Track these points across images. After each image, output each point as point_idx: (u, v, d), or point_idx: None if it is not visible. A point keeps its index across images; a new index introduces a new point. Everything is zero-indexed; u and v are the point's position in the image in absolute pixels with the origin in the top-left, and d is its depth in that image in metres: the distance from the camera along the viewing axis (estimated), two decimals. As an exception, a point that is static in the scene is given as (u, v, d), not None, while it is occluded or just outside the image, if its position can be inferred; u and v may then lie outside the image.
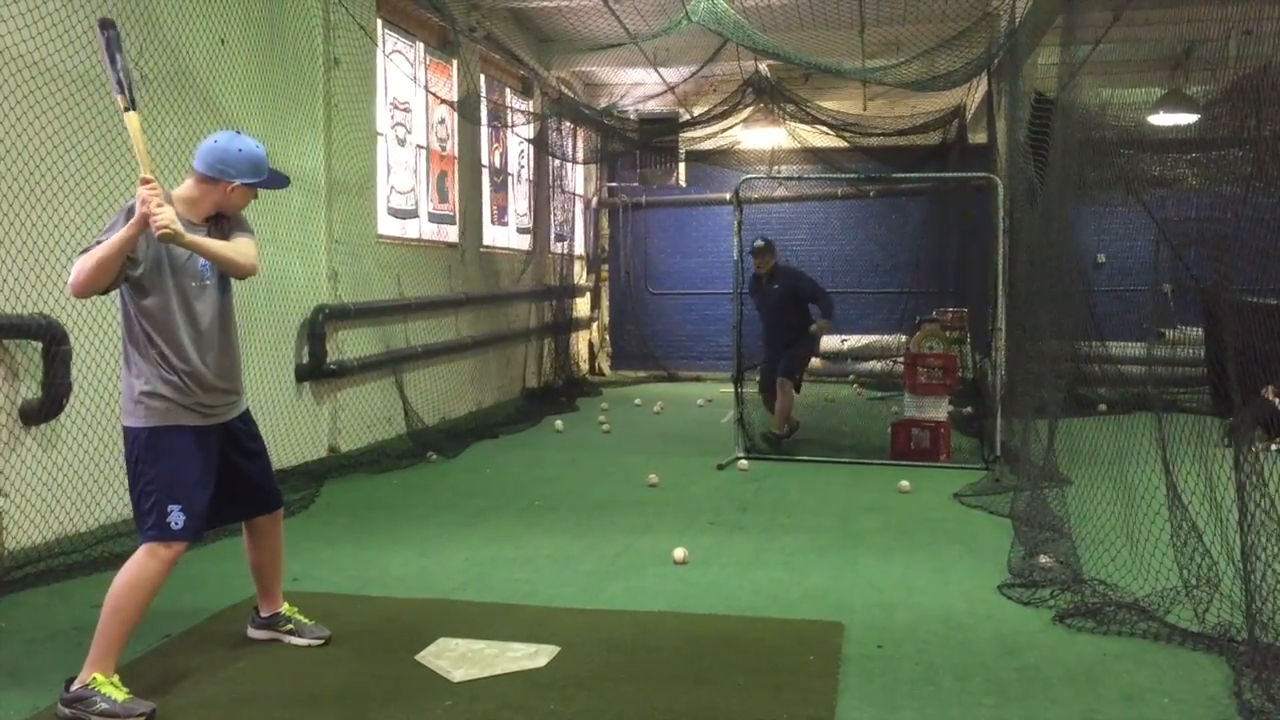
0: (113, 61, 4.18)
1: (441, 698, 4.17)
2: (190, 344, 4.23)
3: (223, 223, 4.41)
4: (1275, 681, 4.05)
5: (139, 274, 4.13)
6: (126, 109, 4.19)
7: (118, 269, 4.04)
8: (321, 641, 4.81)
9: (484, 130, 13.61)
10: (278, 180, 4.57)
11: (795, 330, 10.59)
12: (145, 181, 4.04)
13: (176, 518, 4.15)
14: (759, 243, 10.69)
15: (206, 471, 4.30)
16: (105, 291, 4.15)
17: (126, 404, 4.24)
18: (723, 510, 7.75)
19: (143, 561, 4.14)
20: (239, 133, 4.47)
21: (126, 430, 4.24)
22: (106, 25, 4.21)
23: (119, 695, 3.96)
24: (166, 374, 4.18)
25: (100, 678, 4.01)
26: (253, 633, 4.88)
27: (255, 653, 4.69)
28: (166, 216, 3.97)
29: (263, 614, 4.87)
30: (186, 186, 4.37)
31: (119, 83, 4.18)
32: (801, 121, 14.56)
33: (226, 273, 4.35)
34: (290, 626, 4.86)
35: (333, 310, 9.39)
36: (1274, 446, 9.00)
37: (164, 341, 4.18)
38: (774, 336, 10.67)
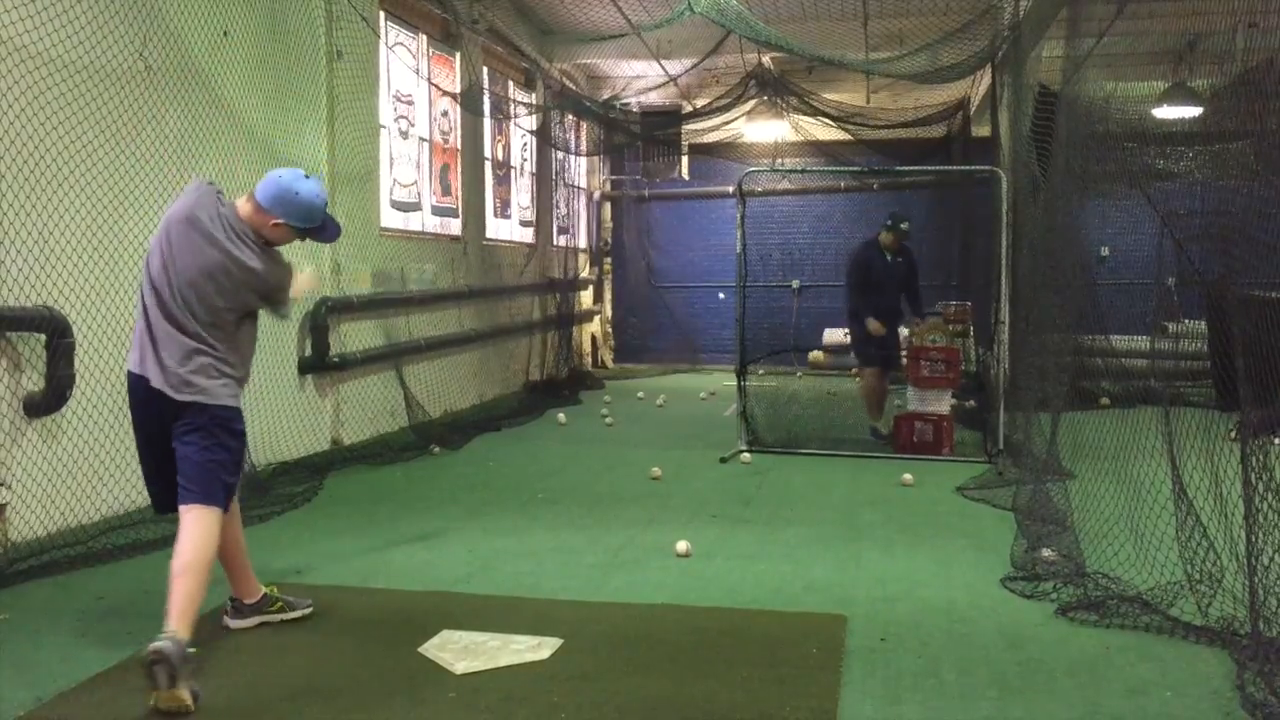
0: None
1: (444, 690, 4.17)
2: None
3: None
4: (1278, 675, 4.05)
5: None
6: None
7: None
8: (309, 608, 4.96)
9: (487, 123, 13.61)
10: (329, 232, 4.66)
11: (900, 309, 10.57)
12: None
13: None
14: (905, 225, 10.44)
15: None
16: None
17: (222, 386, 4.43)
18: (726, 503, 7.75)
19: (213, 523, 4.38)
20: (308, 176, 4.54)
21: (227, 408, 4.46)
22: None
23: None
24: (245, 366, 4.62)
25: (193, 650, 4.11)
26: (234, 623, 4.84)
27: (257, 645, 4.69)
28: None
29: (247, 601, 4.85)
30: (242, 203, 4.50)
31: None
32: (805, 114, 14.54)
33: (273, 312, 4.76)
34: (280, 604, 4.90)
35: (335, 303, 9.39)
36: (1277, 441, 8.97)
37: (248, 345, 4.62)
38: (889, 309, 10.47)
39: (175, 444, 4.40)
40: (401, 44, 11.31)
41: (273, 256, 4.55)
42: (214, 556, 4.37)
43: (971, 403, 11.73)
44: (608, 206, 18.87)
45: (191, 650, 3.98)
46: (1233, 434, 4.45)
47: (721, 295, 17.67)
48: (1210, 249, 7.28)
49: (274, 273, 4.55)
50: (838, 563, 6.13)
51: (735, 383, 10.36)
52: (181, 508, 4.38)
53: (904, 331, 10.62)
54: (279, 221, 4.43)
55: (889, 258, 10.50)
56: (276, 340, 8.58)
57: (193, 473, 4.38)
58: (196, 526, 4.31)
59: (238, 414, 4.51)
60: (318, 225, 4.53)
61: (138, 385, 4.42)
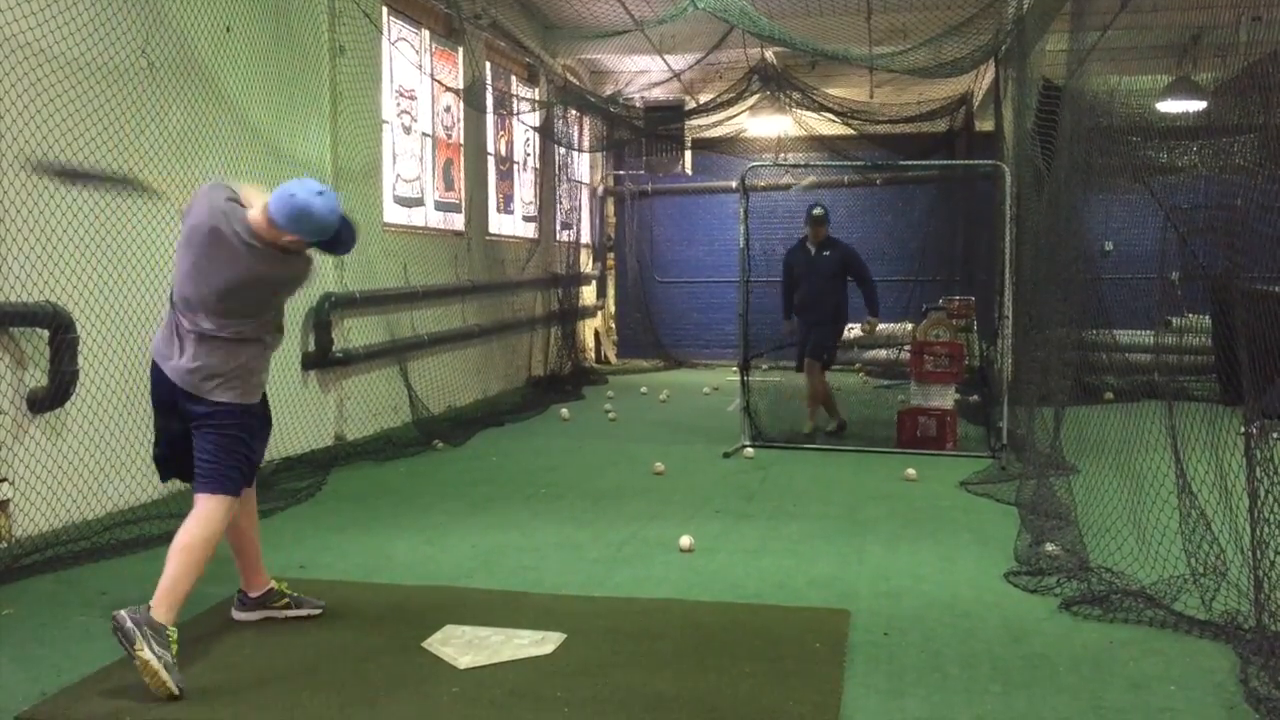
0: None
1: (448, 684, 4.18)
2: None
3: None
4: (1282, 669, 4.05)
5: None
6: None
7: None
8: (320, 610, 4.90)
9: (489, 118, 13.60)
10: (343, 245, 4.65)
11: (834, 304, 10.47)
12: None
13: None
14: (818, 210, 10.64)
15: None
16: None
17: (231, 386, 4.47)
18: (729, 498, 7.75)
19: (221, 510, 4.45)
20: (322, 192, 4.39)
21: (232, 405, 4.49)
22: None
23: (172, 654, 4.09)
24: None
25: (174, 634, 4.12)
26: (241, 615, 4.87)
27: (260, 640, 4.69)
28: None
29: (253, 594, 4.87)
30: (256, 214, 4.39)
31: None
32: (808, 109, 14.52)
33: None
34: (286, 601, 4.90)
35: (339, 298, 9.40)
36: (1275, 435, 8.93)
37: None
38: (812, 306, 10.50)
39: (194, 434, 4.50)
40: (404, 39, 11.31)
41: (291, 260, 4.55)
42: (215, 543, 4.42)
43: (975, 397, 11.73)
44: (611, 202, 18.86)
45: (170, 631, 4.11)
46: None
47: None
48: (1214, 243, 7.27)
49: (296, 272, 4.60)
50: (841, 557, 6.13)
51: (738, 378, 10.36)
52: (197, 495, 4.48)
53: (855, 329, 10.53)
54: (292, 238, 4.39)
55: (814, 251, 10.57)
56: (280, 336, 8.59)
57: (206, 462, 4.47)
58: (201, 510, 4.42)
59: (247, 409, 4.56)
60: (330, 238, 4.50)
61: (159, 375, 4.53)
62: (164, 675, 3.92)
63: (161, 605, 4.16)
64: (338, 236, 4.51)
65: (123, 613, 4.04)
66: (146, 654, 3.93)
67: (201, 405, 4.46)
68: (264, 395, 4.72)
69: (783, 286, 10.87)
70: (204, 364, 4.43)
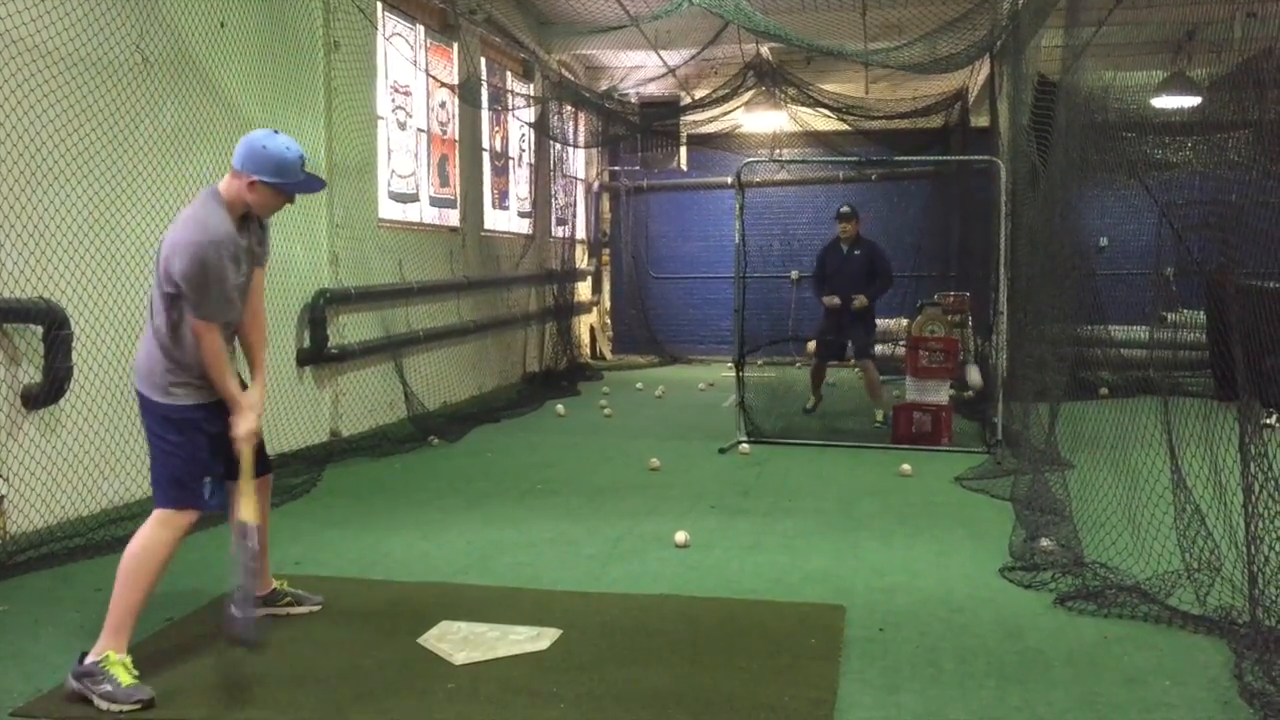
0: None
1: (444, 680, 4.18)
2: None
3: (251, 224, 4.40)
4: (1276, 664, 4.06)
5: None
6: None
7: None
8: (319, 606, 4.95)
9: (485, 114, 13.58)
10: (309, 184, 4.45)
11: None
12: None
13: (208, 489, 4.29)
14: (845, 208, 11.12)
15: (222, 446, 4.36)
16: None
17: (160, 384, 4.25)
18: (724, 494, 7.75)
19: (155, 530, 4.19)
20: (277, 132, 4.36)
21: (158, 405, 4.26)
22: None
23: (125, 679, 3.95)
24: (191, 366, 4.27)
25: (113, 655, 4.00)
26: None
27: (257, 636, 4.69)
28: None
29: (258, 594, 4.85)
30: (225, 179, 4.34)
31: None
32: (803, 105, 14.52)
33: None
34: (288, 599, 4.93)
35: (334, 294, 9.38)
36: (1268, 421, 8.91)
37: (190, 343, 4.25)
38: (844, 305, 10.80)
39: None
40: (399, 35, 11.29)
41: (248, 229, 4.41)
42: (155, 564, 4.16)
43: (970, 393, 11.73)
44: (606, 197, 18.85)
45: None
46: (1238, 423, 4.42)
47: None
48: (1209, 239, 7.28)
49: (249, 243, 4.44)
50: (836, 553, 6.14)
51: (734, 373, 10.36)
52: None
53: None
54: (254, 180, 4.24)
55: (845, 250, 11.01)
56: (275, 332, 8.55)
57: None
58: (143, 529, 4.24)
59: (178, 409, 4.29)
60: (296, 181, 4.35)
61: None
62: (122, 708, 3.88)
63: (103, 642, 4.06)
64: (302, 181, 4.38)
65: (69, 679, 3.99)
66: (103, 704, 3.89)
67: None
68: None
69: (814, 278, 11.51)
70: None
